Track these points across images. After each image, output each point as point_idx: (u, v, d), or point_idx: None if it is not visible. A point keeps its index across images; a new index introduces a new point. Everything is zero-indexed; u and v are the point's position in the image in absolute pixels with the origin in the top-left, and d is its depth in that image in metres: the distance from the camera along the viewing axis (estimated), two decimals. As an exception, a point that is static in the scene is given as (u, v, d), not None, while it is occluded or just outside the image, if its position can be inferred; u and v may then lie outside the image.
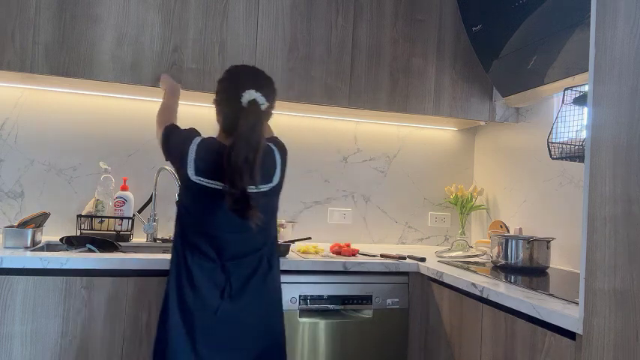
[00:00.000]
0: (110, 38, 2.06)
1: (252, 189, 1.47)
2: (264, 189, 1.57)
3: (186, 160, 1.52)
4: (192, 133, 1.62)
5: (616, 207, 1.13)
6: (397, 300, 2.02)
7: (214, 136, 1.63)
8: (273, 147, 1.64)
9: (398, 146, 2.77)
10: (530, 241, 1.92)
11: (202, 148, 1.54)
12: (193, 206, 1.54)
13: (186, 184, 1.54)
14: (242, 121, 1.47)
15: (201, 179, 1.51)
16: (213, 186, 1.51)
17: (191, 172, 1.51)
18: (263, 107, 1.53)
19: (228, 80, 1.60)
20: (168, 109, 1.89)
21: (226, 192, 1.44)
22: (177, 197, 2.18)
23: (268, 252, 1.61)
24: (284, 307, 1.89)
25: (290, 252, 2.10)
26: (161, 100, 1.94)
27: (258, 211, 1.46)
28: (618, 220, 1.13)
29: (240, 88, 1.53)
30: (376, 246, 2.60)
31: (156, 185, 2.37)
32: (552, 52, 1.91)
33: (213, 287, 1.52)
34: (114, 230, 2.22)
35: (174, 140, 1.62)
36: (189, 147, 1.54)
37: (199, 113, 2.45)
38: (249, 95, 1.51)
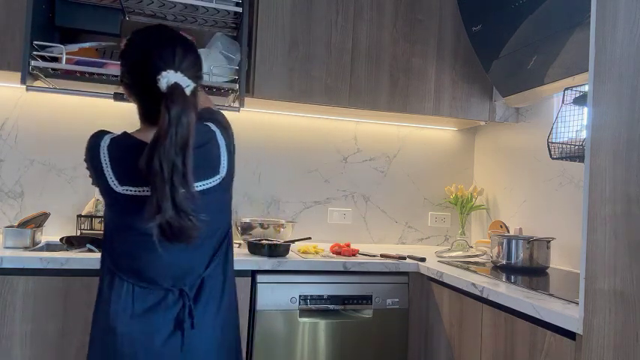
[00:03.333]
0: None
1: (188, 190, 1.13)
2: (212, 184, 1.24)
3: (101, 170, 1.19)
4: (97, 135, 1.24)
5: (616, 207, 1.13)
6: (397, 300, 2.02)
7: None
8: (214, 127, 1.28)
9: (398, 146, 2.77)
10: (530, 241, 1.92)
11: (116, 149, 1.20)
12: (124, 223, 1.20)
13: (110, 196, 1.20)
14: (163, 115, 1.10)
15: (129, 188, 1.18)
16: (145, 194, 1.17)
17: (113, 182, 1.18)
18: (188, 90, 1.16)
19: (135, 57, 1.21)
20: None
21: (149, 214, 1.09)
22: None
23: (222, 259, 1.30)
24: (284, 307, 1.90)
25: (290, 252, 2.10)
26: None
27: (197, 227, 1.12)
28: (618, 220, 1.13)
29: (153, 69, 1.15)
30: (376, 246, 2.60)
31: (156, 185, 2.36)
32: (552, 52, 1.91)
33: (161, 319, 1.19)
34: (114, 230, 2.21)
35: (86, 154, 1.25)
36: (99, 152, 1.19)
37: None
38: (169, 78, 1.14)
